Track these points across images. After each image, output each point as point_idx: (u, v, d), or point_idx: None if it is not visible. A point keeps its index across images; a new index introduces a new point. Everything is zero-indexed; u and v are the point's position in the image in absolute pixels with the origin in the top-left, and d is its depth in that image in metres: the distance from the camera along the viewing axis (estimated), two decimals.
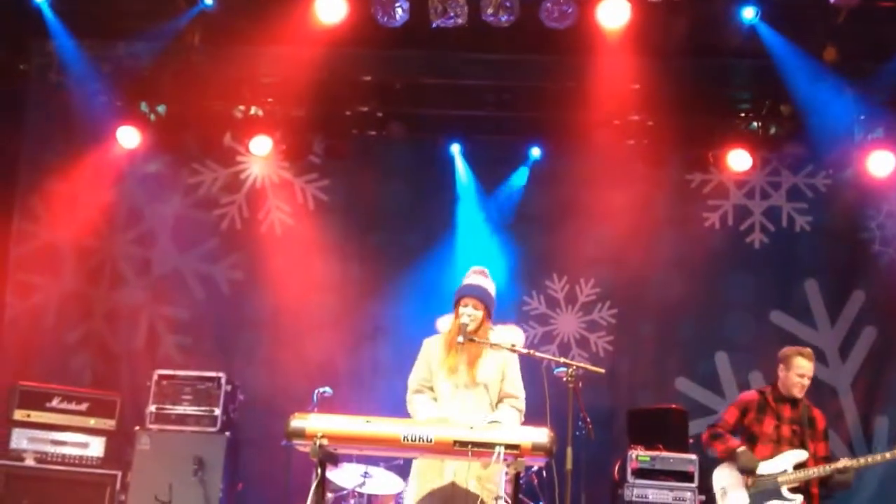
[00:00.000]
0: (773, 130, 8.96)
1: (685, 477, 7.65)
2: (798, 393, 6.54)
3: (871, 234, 9.03)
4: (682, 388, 8.94)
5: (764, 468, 6.49)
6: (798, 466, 6.45)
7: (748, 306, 9.07)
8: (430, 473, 5.31)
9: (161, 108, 9.12)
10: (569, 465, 5.17)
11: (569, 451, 5.19)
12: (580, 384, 5.73)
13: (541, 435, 4.93)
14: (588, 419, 6.76)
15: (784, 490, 6.42)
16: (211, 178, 9.50)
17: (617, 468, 7.91)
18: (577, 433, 6.51)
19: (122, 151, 9.13)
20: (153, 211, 9.44)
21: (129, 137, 8.99)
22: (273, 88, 8.94)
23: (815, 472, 6.42)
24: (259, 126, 9.09)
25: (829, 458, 6.54)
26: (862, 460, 6.50)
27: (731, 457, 6.58)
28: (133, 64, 8.68)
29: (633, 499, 7.62)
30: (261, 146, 9.10)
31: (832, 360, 8.74)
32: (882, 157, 8.48)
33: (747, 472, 6.50)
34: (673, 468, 7.68)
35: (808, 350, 6.65)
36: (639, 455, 7.70)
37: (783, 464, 6.48)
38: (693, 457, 7.72)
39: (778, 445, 6.54)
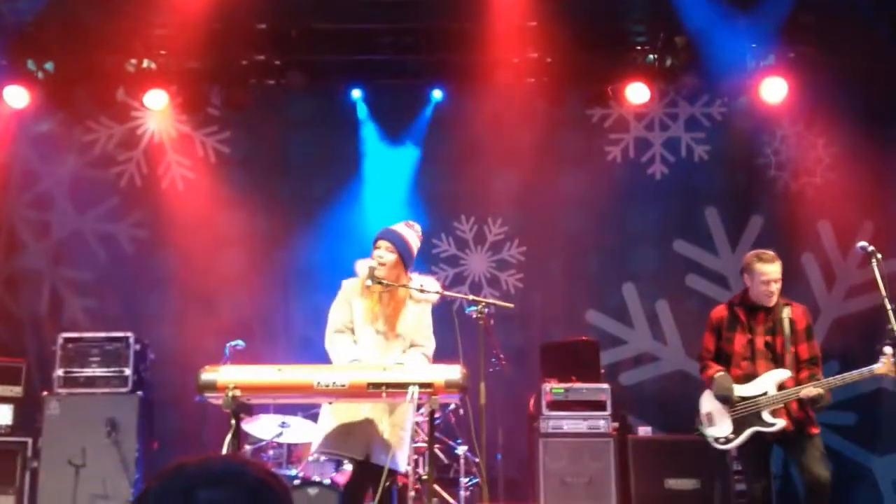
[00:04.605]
0: (668, 62, 9.05)
1: (598, 406, 7.82)
2: (768, 302, 6.02)
3: (766, 159, 9.23)
4: (593, 320, 9.08)
5: (743, 391, 6.00)
6: (781, 387, 5.94)
7: (652, 237, 9.22)
8: (343, 411, 5.34)
9: (49, 65, 8.84)
10: (482, 400, 5.26)
11: (482, 386, 5.28)
12: (492, 321, 5.83)
13: (453, 372, 5.00)
14: (501, 356, 6.90)
15: (765, 414, 5.93)
16: (106, 136, 9.25)
17: (532, 402, 8.06)
18: (491, 370, 6.64)
19: (11, 111, 8.83)
20: (48, 172, 9.17)
21: (16, 97, 8.69)
22: (165, 40, 8.70)
23: (793, 392, 5.88)
24: (153, 79, 8.85)
25: (815, 360, 6.05)
26: (833, 380, 5.88)
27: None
28: (16, 20, 8.35)
29: (549, 430, 7.77)
30: (156, 100, 8.87)
31: (735, 285, 8.92)
32: (774, 84, 8.65)
33: (723, 399, 6.01)
34: (586, 398, 7.84)
35: (769, 253, 6.06)
36: (552, 388, 7.85)
37: (763, 385, 5.97)
38: (605, 386, 7.90)
39: (753, 363, 6.04)
